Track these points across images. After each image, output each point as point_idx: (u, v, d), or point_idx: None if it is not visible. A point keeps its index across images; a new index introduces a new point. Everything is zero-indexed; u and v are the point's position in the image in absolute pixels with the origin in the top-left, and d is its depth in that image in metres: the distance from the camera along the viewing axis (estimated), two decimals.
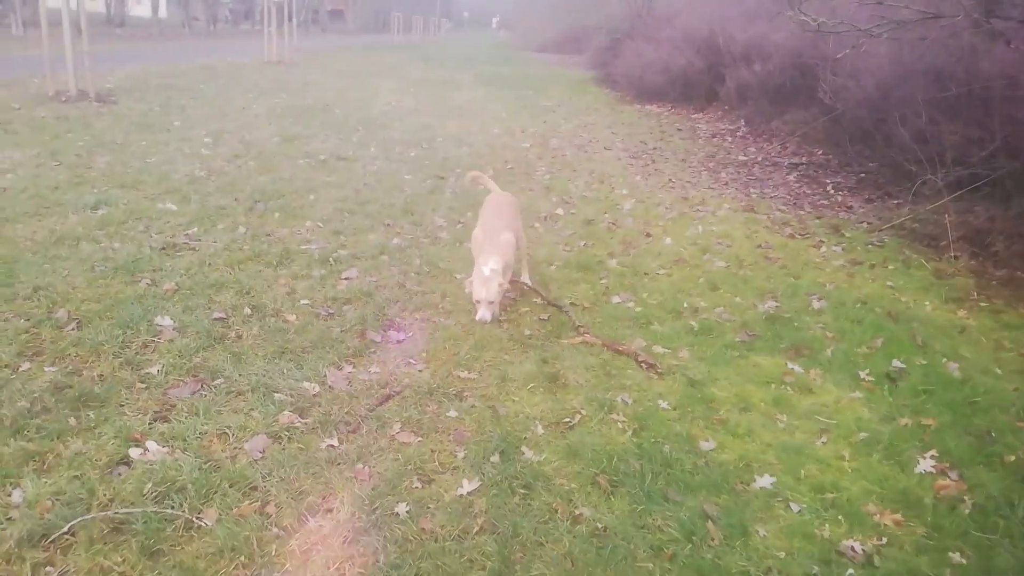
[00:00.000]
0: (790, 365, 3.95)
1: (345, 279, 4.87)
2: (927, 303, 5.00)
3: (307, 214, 6.32)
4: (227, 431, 3.03)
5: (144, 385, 3.35)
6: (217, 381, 3.42)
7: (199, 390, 3.34)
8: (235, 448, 2.94)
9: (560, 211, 7.12)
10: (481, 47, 46.35)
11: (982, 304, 5.04)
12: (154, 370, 3.47)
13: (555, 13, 41.33)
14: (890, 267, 5.78)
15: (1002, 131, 6.63)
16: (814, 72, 11.21)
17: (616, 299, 4.88)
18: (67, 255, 4.84)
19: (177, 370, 3.49)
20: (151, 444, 2.88)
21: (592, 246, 6.07)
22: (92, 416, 3.06)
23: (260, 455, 2.90)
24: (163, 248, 5.15)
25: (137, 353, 3.62)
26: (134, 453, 2.84)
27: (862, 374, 3.84)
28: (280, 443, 3.00)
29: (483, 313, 4.16)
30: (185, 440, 2.95)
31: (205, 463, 2.82)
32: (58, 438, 2.90)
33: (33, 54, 12.90)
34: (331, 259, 5.22)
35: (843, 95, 10.04)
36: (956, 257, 5.95)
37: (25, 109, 10.14)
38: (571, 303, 4.73)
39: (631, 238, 6.35)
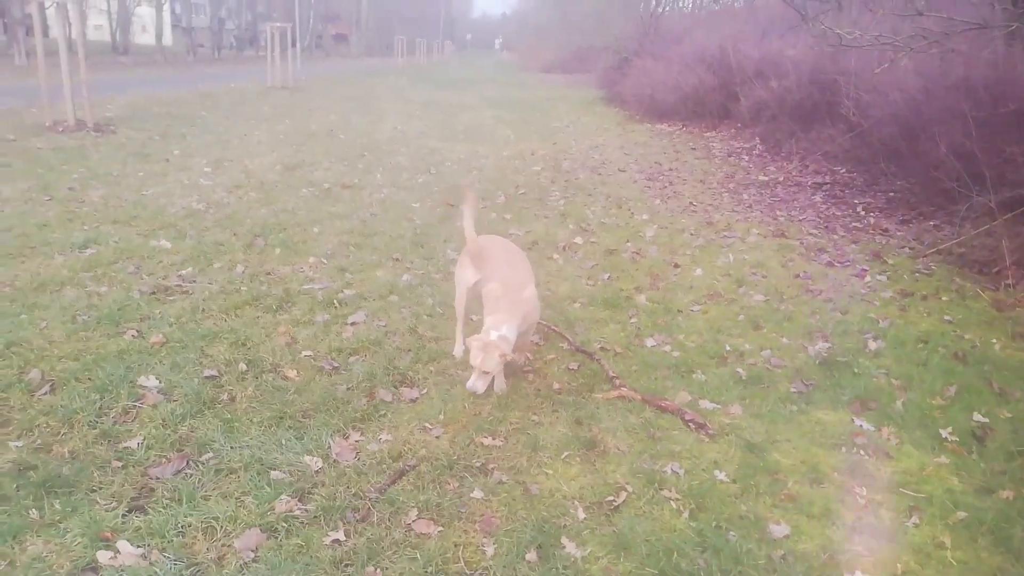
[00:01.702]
0: (857, 422, 3.47)
1: (351, 324, 4.43)
2: (994, 341, 4.51)
3: (310, 249, 5.89)
4: (214, 523, 2.57)
5: (121, 463, 2.89)
6: (205, 456, 2.97)
7: (184, 468, 2.89)
8: (223, 546, 2.48)
9: (579, 240, 6.68)
10: (486, 68, 46.31)
11: None
12: (134, 443, 3.01)
13: (560, 33, 41.25)
14: (944, 298, 5.30)
15: None
16: (835, 88, 10.82)
17: (650, 342, 4.42)
18: (48, 303, 4.41)
19: (160, 443, 3.03)
20: (123, 544, 2.42)
21: (617, 279, 5.62)
22: (58, 506, 2.60)
23: (252, 555, 2.44)
24: (153, 292, 4.72)
25: (115, 423, 3.17)
26: (103, 557, 2.38)
27: (943, 432, 3.35)
28: (276, 538, 2.53)
29: (474, 382, 3.37)
30: (164, 537, 2.49)
31: (187, 568, 2.36)
32: (15, 538, 2.44)
33: (32, 84, 12.61)
34: (336, 301, 4.78)
35: (868, 111, 9.63)
36: (1013, 285, 5.48)
37: (20, 140, 9.80)
38: (601, 348, 4.27)
39: (658, 269, 5.90)
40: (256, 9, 59.93)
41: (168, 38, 46.84)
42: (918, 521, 2.77)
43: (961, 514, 2.78)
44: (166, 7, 47.61)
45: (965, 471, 3.10)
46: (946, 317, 4.92)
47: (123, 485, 2.76)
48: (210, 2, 54.99)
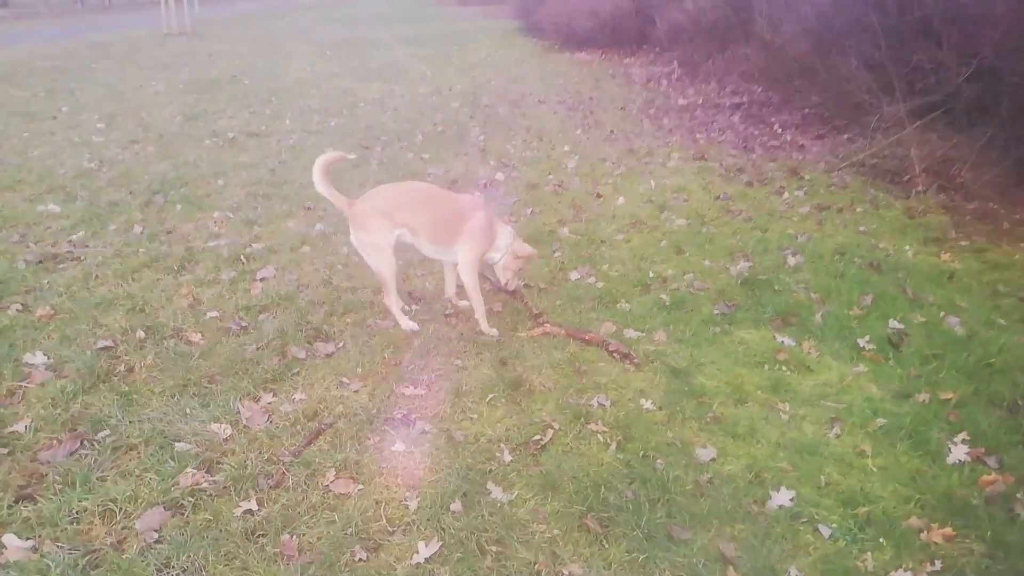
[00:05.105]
0: (779, 338, 3.48)
1: (260, 280, 4.19)
2: (907, 248, 4.60)
3: (214, 203, 5.55)
4: (112, 505, 2.38)
5: (6, 450, 2.65)
6: (101, 434, 2.75)
7: (77, 449, 2.67)
8: (123, 529, 2.30)
9: (500, 176, 6.49)
10: (399, 3, 44.49)
11: (963, 243, 4.67)
12: (20, 427, 2.77)
13: None
14: (859, 210, 5.37)
15: (957, 55, 6.25)
16: (748, 6, 10.73)
17: (574, 275, 4.33)
18: None
19: (50, 424, 2.80)
20: (10, 539, 2.22)
21: (540, 213, 5.49)
22: None
23: (156, 536, 2.27)
24: (40, 261, 4.35)
25: None
26: None
27: (861, 342, 3.39)
28: (182, 514, 2.37)
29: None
30: (56, 525, 2.30)
31: (83, 557, 2.18)
32: None
33: None
34: (243, 256, 4.51)
35: (781, 27, 9.60)
36: (924, 192, 5.59)
37: None
38: (525, 285, 4.15)
39: (581, 200, 5.79)
40: None
41: None
42: (839, 432, 2.79)
43: (880, 421, 2.82)
44: None
45: (883, 378, 3.15)
46: (861, 228, 4.99)
47: (9, 473, 2.54)
48: None
